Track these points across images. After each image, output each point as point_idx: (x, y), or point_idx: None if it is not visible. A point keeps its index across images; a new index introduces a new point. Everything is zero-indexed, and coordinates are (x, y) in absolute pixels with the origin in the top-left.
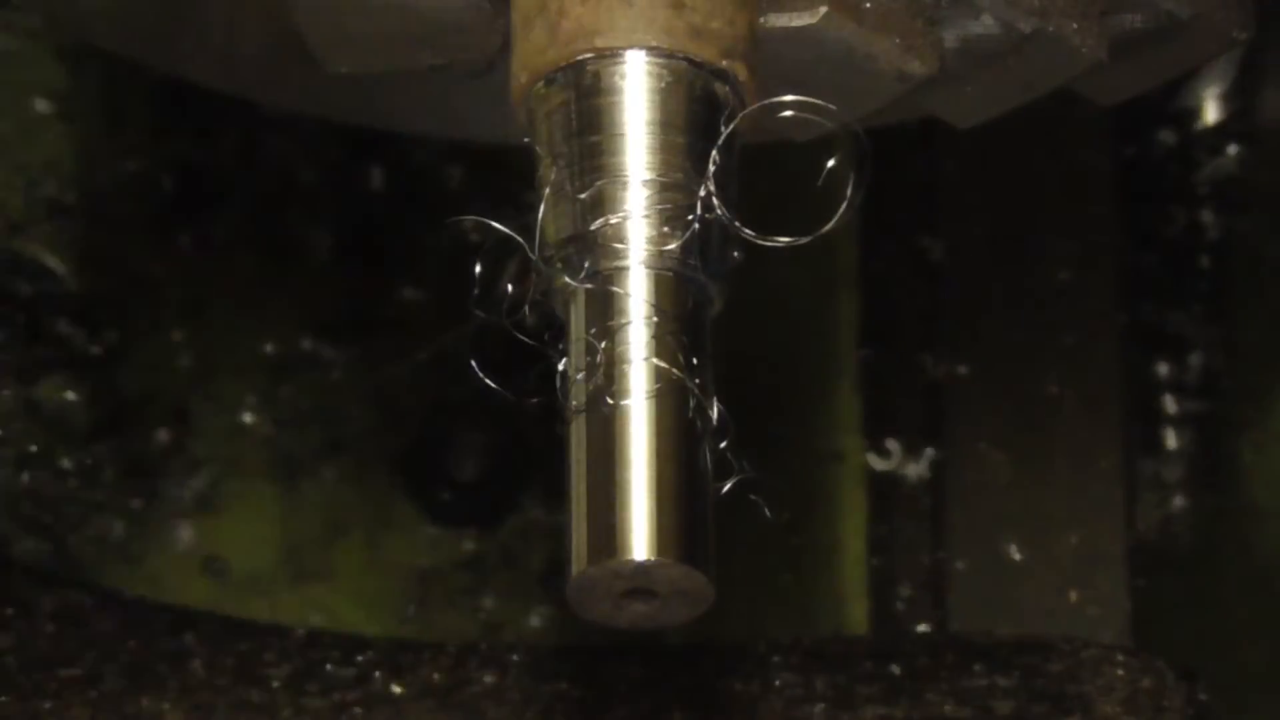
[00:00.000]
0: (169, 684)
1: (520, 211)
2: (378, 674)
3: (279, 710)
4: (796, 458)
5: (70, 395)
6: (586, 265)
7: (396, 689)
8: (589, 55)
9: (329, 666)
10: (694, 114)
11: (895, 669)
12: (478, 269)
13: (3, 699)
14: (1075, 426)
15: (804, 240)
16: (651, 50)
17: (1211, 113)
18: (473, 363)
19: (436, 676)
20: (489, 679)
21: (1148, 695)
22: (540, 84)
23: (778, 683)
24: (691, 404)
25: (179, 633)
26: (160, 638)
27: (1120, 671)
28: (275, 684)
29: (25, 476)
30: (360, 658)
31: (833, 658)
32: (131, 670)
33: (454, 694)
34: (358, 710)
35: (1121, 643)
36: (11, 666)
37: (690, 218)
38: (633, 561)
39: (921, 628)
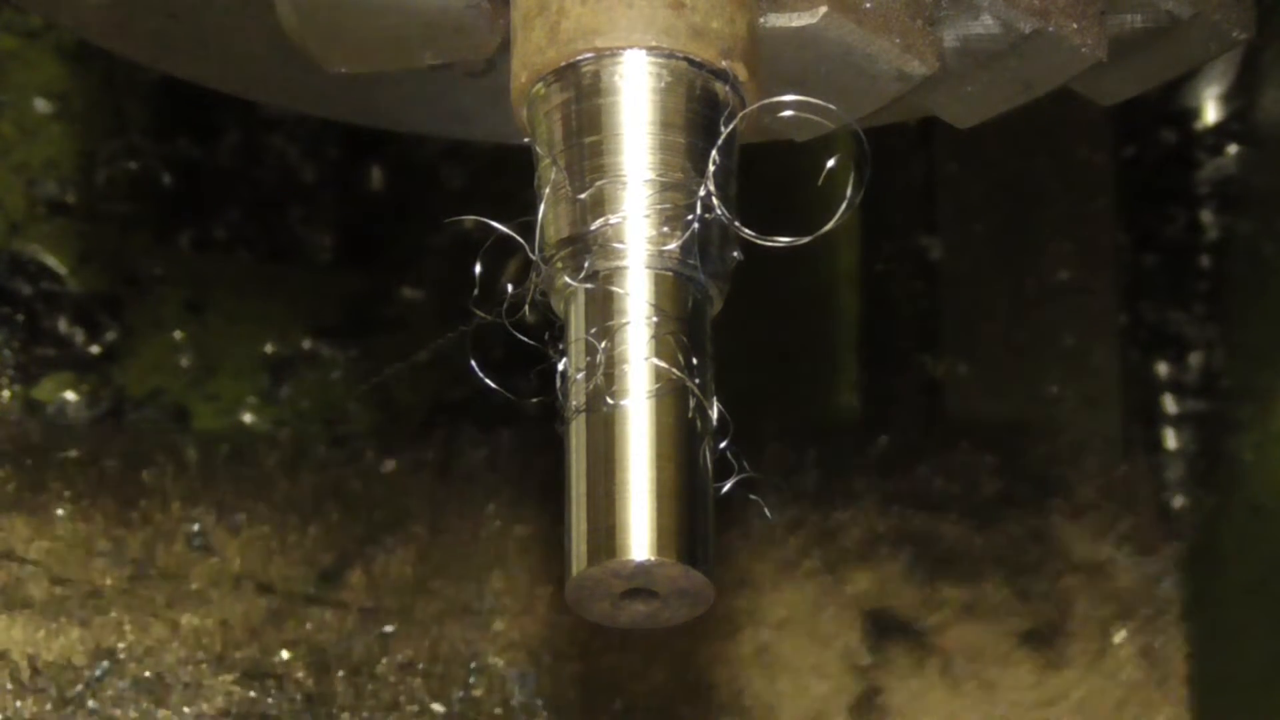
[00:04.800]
0: (166, 466)
1: (520, 211)
2: (369, 454)
3: (276, 485)
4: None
5: (70, 395)
6: (586, 265)
7: (390, 465)
8: (589, 55)
9: (320, 451)
10: (694, 114)
11: (883, 440)
12: (478, 269)
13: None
14: (1075, 426)
15: (804, 240)
16: (651, 50)
17: (1211, 113)
18: (473, 363)
19: (430, 455)
20: (481, 455)
21: (1122, 484)
22: (540, 84)
23: (769, 454)
24: (691, 404)
25: (165, 434)
26: (148, 437)
27: (1096, 459)
28: (270, 465)
29: None
30: (349, 444)
31: (824, 430)
32: (128, 457)
33: (448, 467)
34: (355, 485)
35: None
36: (9, 452)
37: (690, 218)
38: (633, 561)
39: None
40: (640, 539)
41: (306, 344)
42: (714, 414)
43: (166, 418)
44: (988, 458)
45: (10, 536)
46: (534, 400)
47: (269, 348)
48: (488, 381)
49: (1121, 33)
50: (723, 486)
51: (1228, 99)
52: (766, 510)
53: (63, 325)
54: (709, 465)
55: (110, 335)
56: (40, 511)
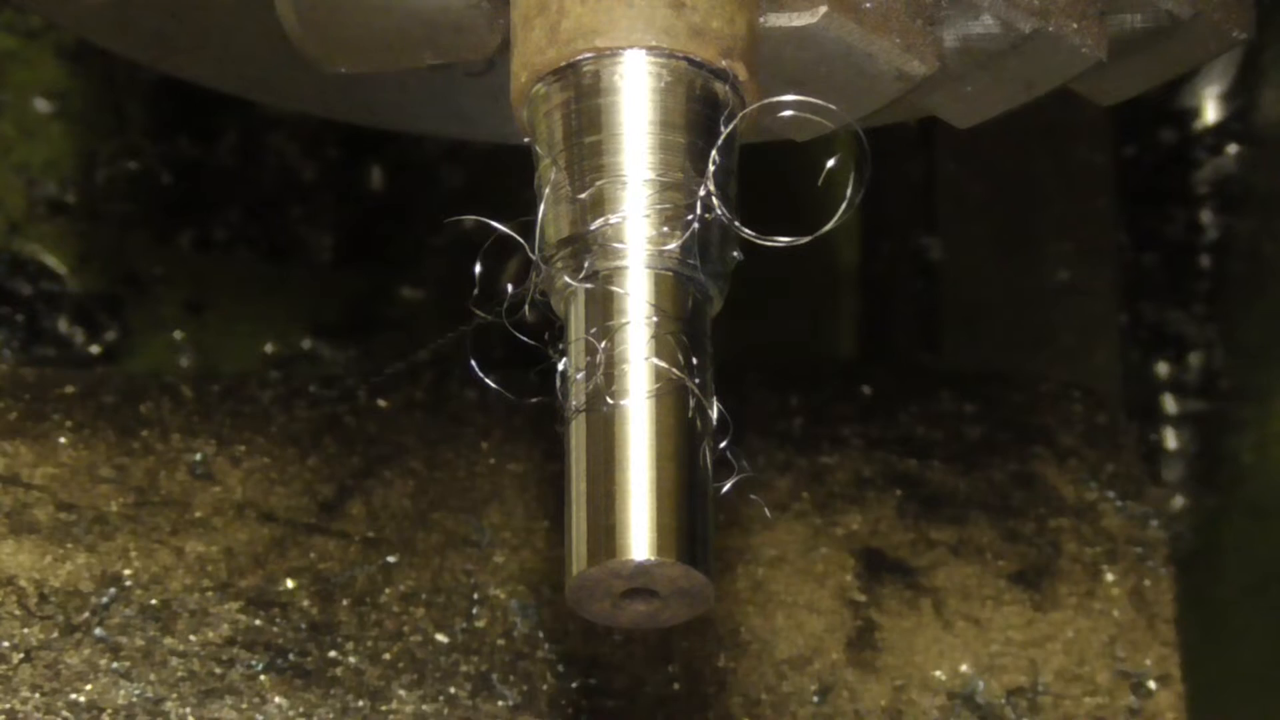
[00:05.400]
0: (162, 401)
1: (520, 211)
2: (360, 393)
3: (273, 418)
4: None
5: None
6: (586, 265)
7: (382, 403)
8: (589, 55)
9: (312, 389)
10: (694, 114)
11: (866, 390)
12: (478, 269)
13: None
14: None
15: (804, 240)
16: (651, 50)
17: (1211, 113)
18: (473, 363)
19: (419, 394)
20: (470, 395)
21: (1104, 431)
22: (540, 84)
23: (754, 400)
24: (691, 404)
25: (157, 375)
26: (142, 378)
27: (1077, 407)
28: (265, 401)
29: None
30: (339, 383)
31: (806, 377)
32: (125, 391)
33: (439, 406)
34: (349, 420)
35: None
36: (7, 388)
37: (690, 218)
38: (633, 561)
39: None
40: (640, 539)
41: (306, 344)
42: (714, 414)
43: None
44: (969, 406)
45: (14, 462)
46: (534, 400)
47: (269, 348)
48: (488, 381)
49: (1121, 33)
50: (723, 486)
51: (1228, 99)
52: (766, 510)
53: (63, 325)
54: (709, 465)
55: (110, 335)
56: (43, 439)
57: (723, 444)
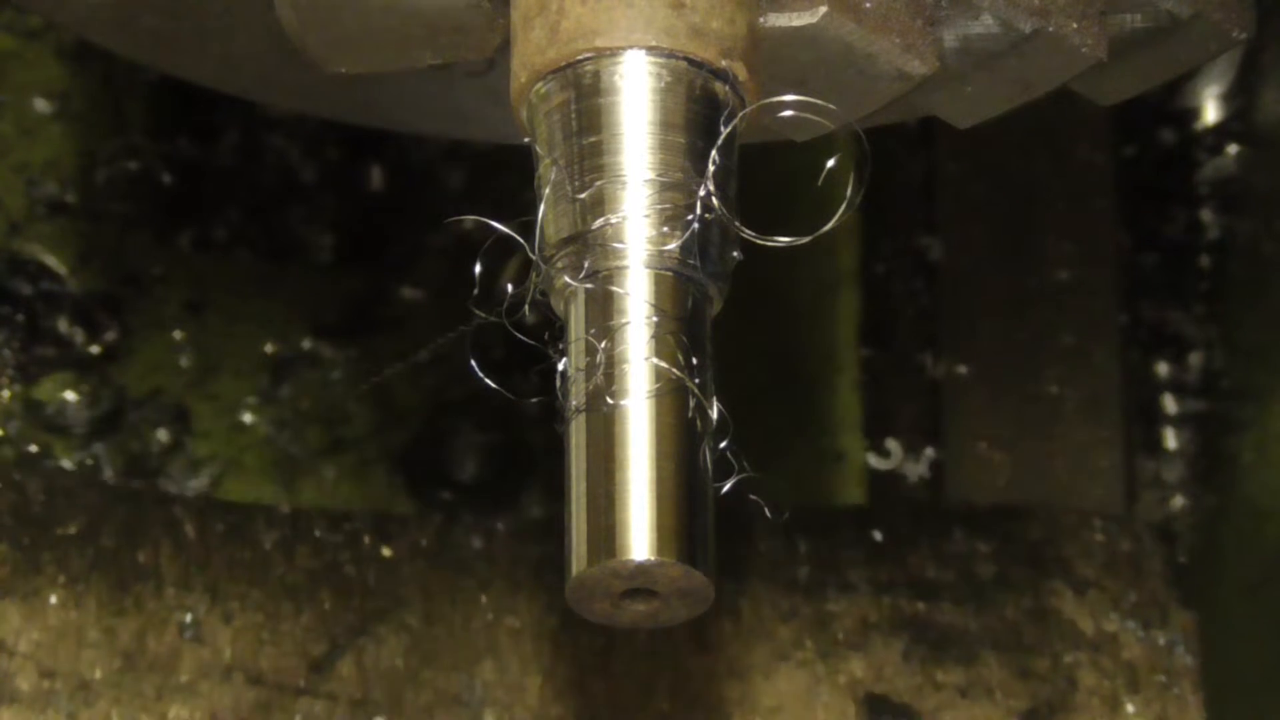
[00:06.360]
0: (162, 544)
1: (520, 211)
2: (366, 539)
3: (272, 568)
4: (796, 457)
5: (70, 395)
6: (586, 265)
7: (386, 551)
8: (589, 55)
9: (317, 533)
10: (693, 114)
11: (877, 535)
12: (478, 269)
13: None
14: (1075, 426)
15: (804, 240)
16: (651, 50)
17: (1211, 113)
18: (473, 363)
19: (424, 542)
20: (477, 543)
21: (1127, 559)
22: (540, 84)
23: (762, 548)
24: (691, 404)
25: (165, 505)
26: (148, 508)
27: (1099, 536)
28: (266, 546)
29: None
30: (347, 525)
31: (816, 523)
32: (127, 531)
33: (443, 556)
34: (350, 570)
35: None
36: (9, 525)
37: (690, 217)
38: (633, 562)
39: None
40: (640, 539)
41: (306, 344)
42: (714, 414)
43: (167, 418)
44: (981, 545)
45: (1, 627)
46: (534, 400)
47: (269, 348)
48: (488, 381)
49: (1121, 33)
50: (723, 486)
51: (1228, 99)
52: (767, 510)
53: (63, 325)
54: (709, 465)
55: (110, 335)
56: (32, 597)
57: (723, 444)
